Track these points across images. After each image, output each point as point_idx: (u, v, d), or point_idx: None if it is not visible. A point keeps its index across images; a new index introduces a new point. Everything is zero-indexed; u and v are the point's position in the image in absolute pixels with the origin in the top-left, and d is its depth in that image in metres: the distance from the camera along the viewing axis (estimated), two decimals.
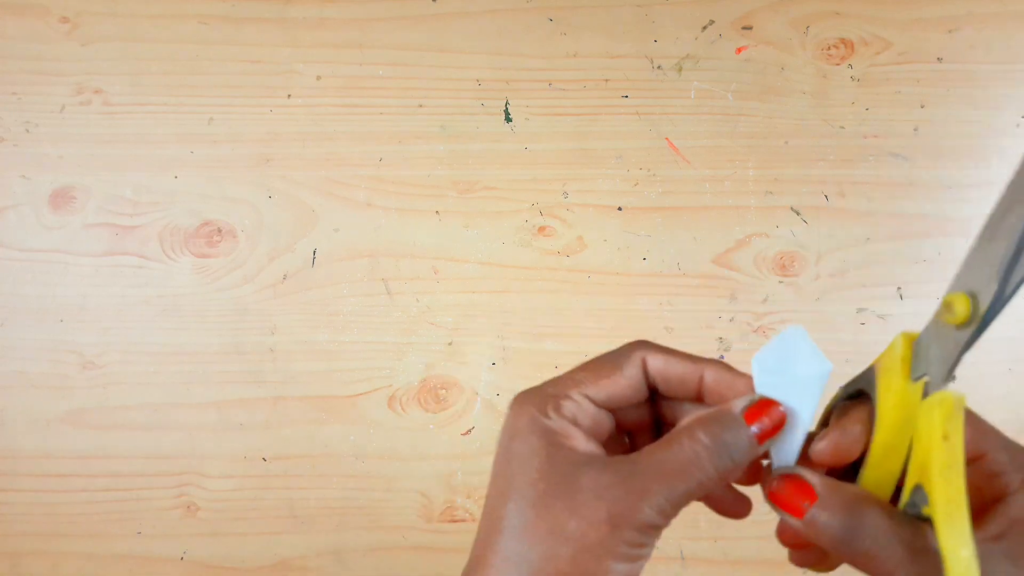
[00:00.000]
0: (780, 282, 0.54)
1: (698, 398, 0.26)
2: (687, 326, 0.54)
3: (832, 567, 0.26)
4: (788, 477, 0.24)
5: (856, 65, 0.55)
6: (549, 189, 0.54)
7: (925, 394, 0.23)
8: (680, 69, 0.55)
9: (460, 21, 0.55)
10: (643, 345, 0.26)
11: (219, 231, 0.55)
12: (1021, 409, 0.53)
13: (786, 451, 0.25)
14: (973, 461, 0.23)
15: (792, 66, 0.55)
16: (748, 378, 0.25)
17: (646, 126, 0.55)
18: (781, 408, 0.24)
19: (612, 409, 0.26)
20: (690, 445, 0.23)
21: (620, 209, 0.54)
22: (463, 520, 0.53)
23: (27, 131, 0.55)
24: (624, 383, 0.26)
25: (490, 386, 0.53)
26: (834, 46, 0.55)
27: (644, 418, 0.28)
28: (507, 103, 0.55)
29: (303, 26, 0.55)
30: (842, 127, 0.54)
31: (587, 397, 0.25)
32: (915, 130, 0.54)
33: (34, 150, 0.55)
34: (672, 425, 0.27)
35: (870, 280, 0.54)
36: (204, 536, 0.53)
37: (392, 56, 0.55)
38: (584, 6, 0.55)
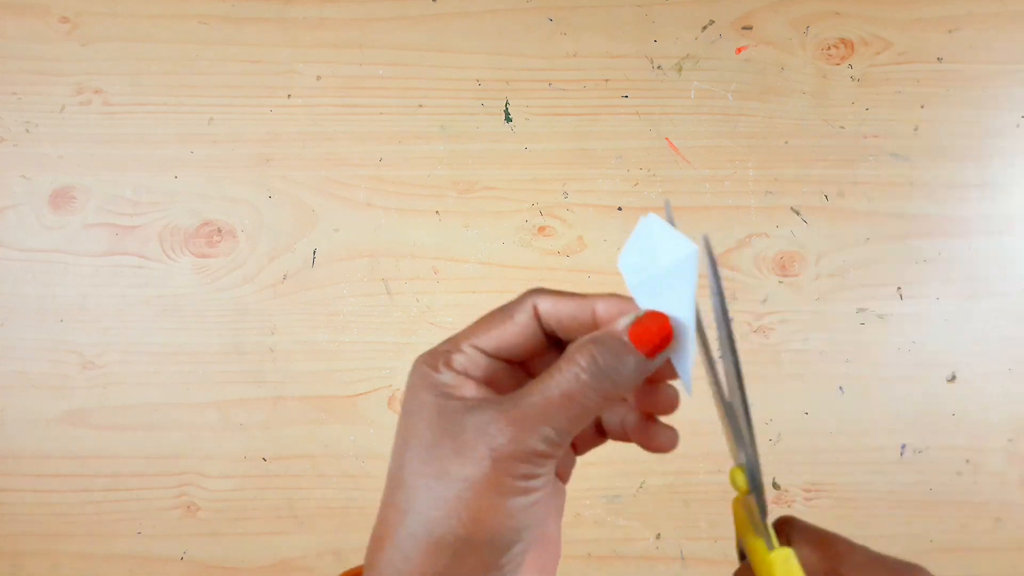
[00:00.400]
0: (780, 282, 0.54)
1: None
2: None
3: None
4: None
5: (856, 65, 0.55)
6: (549, 189, 0.54)
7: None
8: (680, 69, 0.55)
9: (460, 21, 0.55)
10: (535, 291, 0.25)
11: (219, 231, 0.55)
12: (1021, 409, 0.53)
13: (681, 355, 0.24)
14: None
15: (792, 66, 0.55)
16: (640, 325, 0.24)
17: (646, 126, 0.55)
18: (668, 319, 0.23)
19: (509, 359, 0.25)
20: (571, 370, 0.22)
21: (620, 209, 0.54)
22: None
23: (27, 131, 0.55)
24: (515, 330, 0.25)
25: None
26: (834, 46, 0.55)
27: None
28: (507, 103, 0.55)
29: (303, 26, 0.55)
30: (842, 127, 0.54)
31: (477, 348, 0.25)
32: (915, 130, 0.54)
33: (34, 150, 0.55)
34: None
35: (870, 280, 0.54)
36: (204, 536, 0.53)
37: (392, 56, 0.55)
38: (584, 6, 0.55)
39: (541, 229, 0.54)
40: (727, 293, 0.54)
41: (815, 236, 0.54)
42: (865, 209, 0.54)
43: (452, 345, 0.25)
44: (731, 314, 0.54)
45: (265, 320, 0.54)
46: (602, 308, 0.24)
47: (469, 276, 0.54)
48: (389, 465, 0.24)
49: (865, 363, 0.53)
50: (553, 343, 0.26)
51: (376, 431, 0.53)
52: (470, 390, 0.24)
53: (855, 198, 0.54)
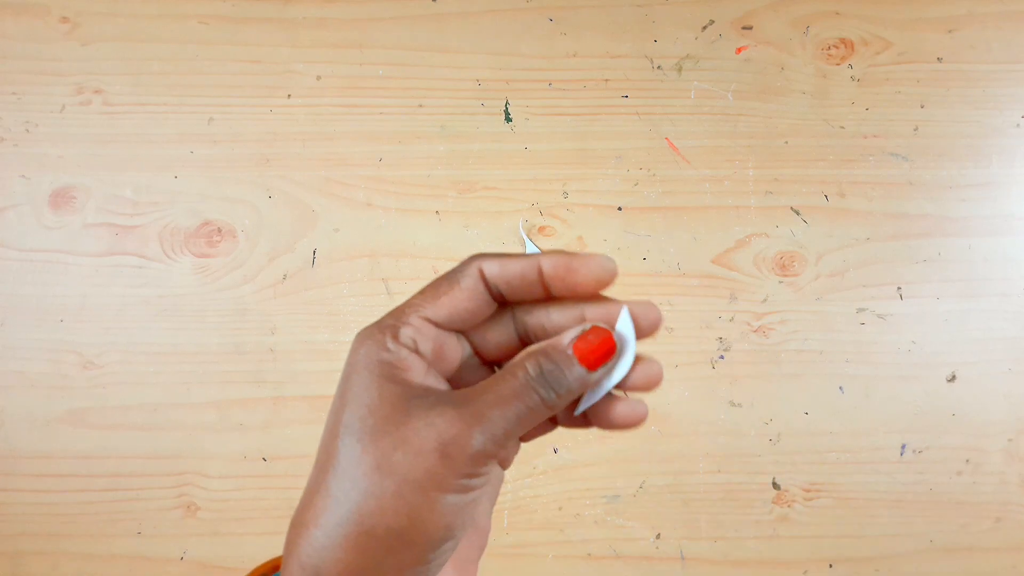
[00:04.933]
0: (780, 282, 0.54)
1: (545, 291, 0.25)
2: (687, 326, 0.54)
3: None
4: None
5: (856, 65, 0.55)
6: (549, 189, 0.54)
7: None
8: (680, 69, 0.55)
9: (460, 21, 0.55)
10: (478, 256, 0.25)
11: (219, 231, 0.54)
12: (1021, 409, 0.53)
13: (622, 365, 0.24)
14: None
15: (792, 66, 0.55)
16: (585, 257, 0.24)
17: (646, 126, 0.55)
18: (611, 334, 0.24)
19: (460, 329, 0.25)
20: (519, 377, 0.23)
21: (620, 209, 0.54)
22: None
23: (27, 131, 0.55)
24: (463, 296, 0.24)
25: None
26: (834, 46, 0.55)
27: (509, 343, 0.26)
28: (507, 103, 0.55)
29: (303, 26, 0.55)
30: (842, 127, 0.54)
31: (426, 319, 0.24)
32: (915, 130, 0.54)
33: (34, 150, 0.55)
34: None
35: (870, 280, 0.54)
36: (204, 536, 0.53)
37: (392, 56, 0.55)
38: (584, 6, 0.55)
39: (541, 229, 0.54)
40: (728, 293, 0.54)
41: (815, 236, 0.54)
42: (865, 209, 0.54)
43: (398, 317, 0.24)
44: (731, 315, 0.54)
45: (265, 320, 0.54)
46: (547, 265, 0.24)
47: None
48: (320, 443, 0.23)
49: (865, 363, 0.53)
50: (500, 310, 0.26)
51: None
52: (417, 373, 0.23)
53: (855, 198, 0.54)
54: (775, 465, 0.53)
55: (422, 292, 0.24)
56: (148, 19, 0.55)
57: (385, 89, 0.55)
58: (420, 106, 0.55)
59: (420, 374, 0.23)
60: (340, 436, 0.22)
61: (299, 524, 0.23)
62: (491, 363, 0.27)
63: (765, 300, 0.54)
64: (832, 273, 0.54)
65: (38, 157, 0.55)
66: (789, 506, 0.53)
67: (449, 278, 0.24)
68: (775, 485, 0.53)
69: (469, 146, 0.55)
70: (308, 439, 0.53)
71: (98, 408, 0.54)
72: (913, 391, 0.53)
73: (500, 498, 0.53)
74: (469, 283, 0.24)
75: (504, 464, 0.26)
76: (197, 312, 0.54)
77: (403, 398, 0.22)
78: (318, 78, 0.55)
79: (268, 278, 0.54)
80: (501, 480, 0.27)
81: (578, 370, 0.23)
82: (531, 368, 0.23)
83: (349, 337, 0.55)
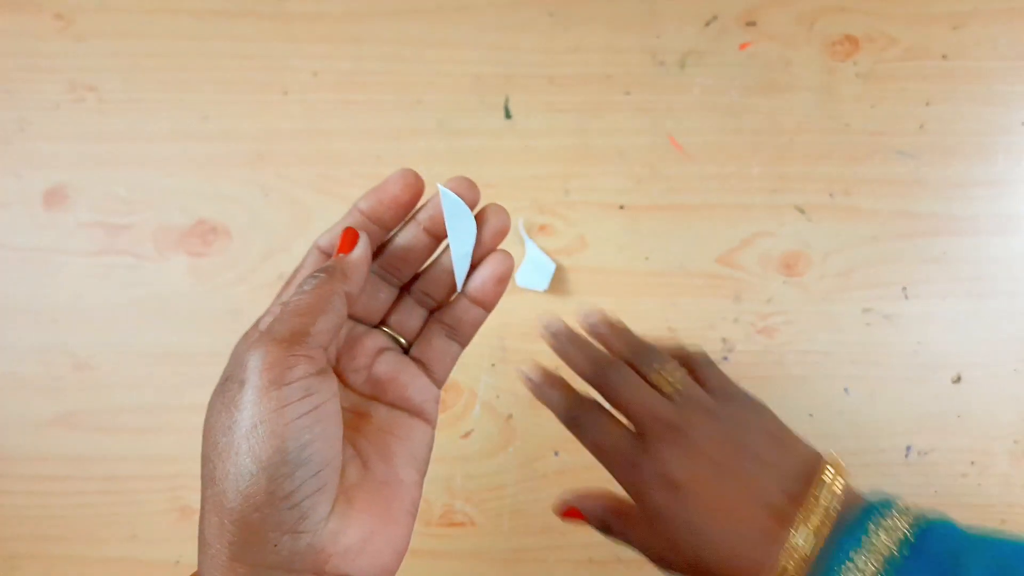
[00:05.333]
0: (785, 282, 0.53)
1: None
2: (690, 326, 0.53)
3: None
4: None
5: (862, 62, 0.54)
6: (550, 186, 0.54)
7: None
8: (683, 65, 0.54)
9: (459, 15, 0.54)
10: (318, 238, 0.28)
11: (213, 230, 0.54)
12: None
13: (465, 237, 0.28)
14: None
15: (797, 62, 0.54)
16: (386, 179, 0.28)
17: (648, 122, 0.54)
18: (353, 228, 0.27)
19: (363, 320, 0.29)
20: (298, 291, 0.25)
21: (622, 207, 0.54)
22: (462, 524, 0.52)
23: (20, 129, 0.54)
24: (305, 273, 0.28)
25: (489, 388, 0.53)
26: (839, 42, 0.54)
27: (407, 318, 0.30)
28: (507, 99, 0.54)
29: (299, 21, 0.55)
30: (848, 124, 0.54)
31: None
32: (921, 127, 0.54)
33: (27, 148, 0.54)
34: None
35: (876, 280, 0.53)
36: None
37: (389, 51, 0.54)
38: (585, 0, 0.54)
39: (542, 227, 0.53)
40: (733, 293, 0.53)
41: (820, 235, 0.53)
42: (871, 207, 0.53)
43: (264, 314, 0.27)
44: (735, 315, 0.53)
45: None
46: (363, 205, 0.28)
47: None
48: None
49: (871, 364, 0.53)
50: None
51: None
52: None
53: (861, 196, 0.53)
54: None
55: (282, 287, 0.29)
56: (142, 15, 0.55)
57: (382, 85, 0.54)
58: (418, 102, 0.54)
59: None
60: (207, 418, 0.24)
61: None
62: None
63: (770, 300, 0.53)
64: (838, 273, 0.53)
65: (31, 155, 0.54)
66: None
67: (297, 268, 0.28)
68: None
69: (468, 142, 0.54)
70: None
71: (91, 410, 0.53)
72: (919, 392, 0.53)
73: (500, 502, 0.52)
74: (311, 261, 0.28)
75: (422, 414, 0.28)
76: (191, 312, 0.53)
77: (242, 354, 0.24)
78: (314, 74, 0.54)
79: (263, 277, 0.53)
80: (416, 434, 0.28)
81: (335, 258, 0.26)
82: (302, 283, 0.25)
83: None
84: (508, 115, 0.54)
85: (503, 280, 0.28)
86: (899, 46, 0.54)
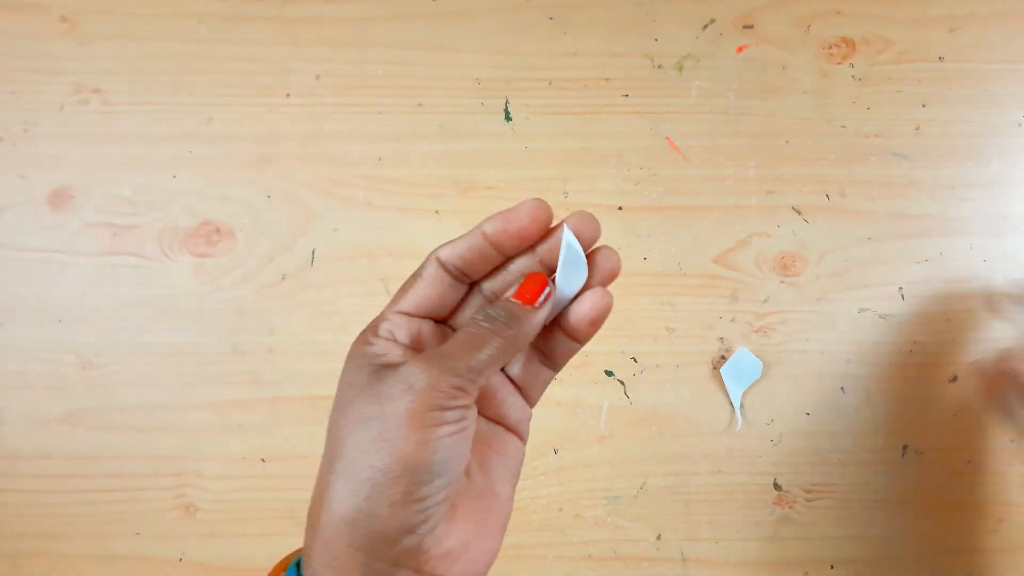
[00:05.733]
0: (781, 282, 0.54)
1: (505, 260, 0.28)
2: (688, 326, 0.53)
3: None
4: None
5: (857, 64, 0.54)
6: (549, 188, 0.54)
7: None
8: (681, 68, 0.55)
9: (460, 19, 0.55)
10: (437, 248, 0.28)
11: (218, 231, 0.54)
12: None
13: (572, 284, 0.27)
14: None
15: (793, 65, 0.54)
16: (516, 206, 0.27)
17: (647, 125, 0.54)
18: (544, 276, 0.27)
19: (433, 316, 0.28)
20: (475, 322, 0.26)
21: (620, 209, 0.54)
22: None
23: (25, 130, 0.55)
24: (425, 284, 0.27)
25: None
26: (835, 45, 0.55)
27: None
28: (507, 102, 0.55)
29: (302, 25, 0.55)
30: (843, 126, 0.54)
31: (399, 312, 0.27)
32: (916, 129, 0.54)
33: (33, 149, 0.55)
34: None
35: (871, 280, 0.53)
36: (203, 537, 0.53)
37: (391, 55, 0.55)
38: (584, 4, 0.55)
39: None
40: (729, 293, 0.54)
41: (816, 236, 0.54)
42: (866, 208, 0.54)
43: (378, 317, 0.27)
44: (732, 315, 0.54)
45: (264, 320, 0.54)
46: (489, 229, 0.27)
47: None
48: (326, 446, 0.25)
49: (867, 363, 0.53)
50: (472, 291, 0.29)
51: None
52: (396, 354, 0.26)
53: (856, 197, 0.54)
54: (776, 466, 0.53)
55: (398, 291, 0.28)
56: (147, 18, 0.55)
57: (385, 88, 0.55)
58: (420, 105, 0.55)
59: (399, 356, 0.26)
60: (336, 419, 0.25)
61: (312, 503, 0.25)
62: None
63: (766, 300, 0.54)
64: (833, 273, 0.54)
65: (36, 156, 0.54)
66: (790, 507, 0.53)
67: (414, 274, 0.28)
68: (776, 486, 0.53)
69: (469, 145, 0.54)
70: (307, 439, 0.53)
71: (97, 409, 0.53)
72: (915, 392, 0.53)
73: None
74: (430, 271, 0.27)
75: (519, 432, 0.29)
76: (196, 312, 0.54)
77: (382, 370, 0.25)
78: (317, 77, 0.55)
79: (267, 278, 0.54)
80: (515, 451, 0.29)
81: (520, 306, 0.26)
82: (479, 314, 0.26)
83: (349, 337, 0.54)
84: (508, 118, 0.55)
85: (598, 322, 0.28)
86: (895, 49, 0.55)
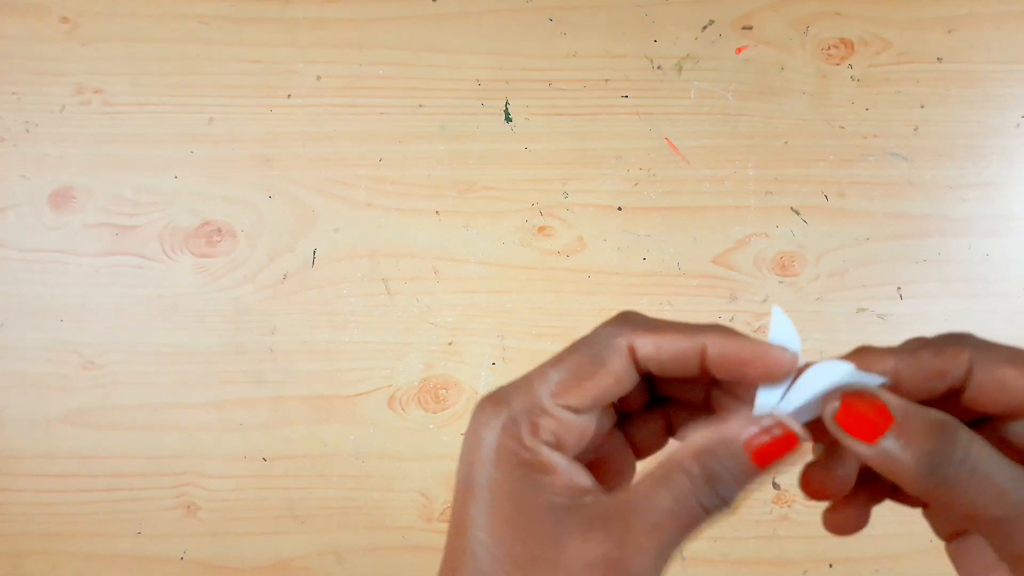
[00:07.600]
0: (780, 282, 0.54)
1: (703, 373, 0.22)
2: None
3: (861, 526, 0.24)
4: (858, 397, 0.20)
5: (856, 65, 0.55)
6: (549, 189, 0.54)
7: None
8: (680, 69, 0.55)
9: (460, 21, 0.55)
10: (625, 325, 0.22)
11: (219, 231, 0.55)
12: None
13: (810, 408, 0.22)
14: None
15: (792, 66, 0.55)
16: (759, 347, 0.21)
17: (646, 126, 0.55)
18: (795, 431, 0.21)
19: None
20: (682, 482, 0.20)
21: (620, 209, 0.54)
22: None
23: (27, 131, 0.55)
24: (609, 380, 0.21)
25: (491, 386, 0.53)
26: (834, 46, 0.55)
27: (641, 400, 0.25)
28: (507, 103, 0.55)
29: (303, 26, 0.55)
30: (842, 127, 0.54)
31: (568, 408, 0.21)
32: (915, 130, 0.54)
33: (34, 150, 0.55)
34: (667, 396, 0.25)
35: (870, 280, 0.54)
36: (204, 536, 0.53)
37: (392, 56, 0.55)
38: (584, 6, 0.55)
39: (541, 229, 0.54)
40: (728, 293, 0.54)
41: (815, 236, 0.54)
42: (865, 209, 0.54)
43: (533, 401, 0.21)
44: (731, 315, 0.54)
45: (265, 320, 0.54)
46: (714, 352, 0.21)
47: (469, 276, 0.54)
48: (448, 533, 0.22)
49: None
50: (644, 380, 0.23)
51: (376, 431, 0.53)
52: (561, 475, 0.21)
53: (855, 198, 0.54)
54: None
55: (559, 365, 0.21)
56: (148, 19, 0.55)
57: (385, 89, 0.55)
58: (420, 106, 0.55)
59: (563, 475, 0.21)
60: (471, 548, 0.20)
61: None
62: (622, 415, 0.25)
63: (765, 300, 0.54)
64: (832, 273, 0.54)
65: (38, 157, 0.55)
66: (789, 506, 0.53)
67: (593, 356, 0.21)
68: (775, 485, 0.53)
69: (469, 146, 0.55)
70: (308, 439, 0.53)
71: (98, 408, 0.54)
72: None
73: None
74: (618, 366, 0.21)
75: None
76: (197, 312, 0.54)
77: (549, 513, 0.20)
78: (318, 78, 0.55)
79: (268, 278, 0.54)
80: None
81: (751, 472, 0.20)
82: (696, 470, 0.20)
83: (349, 337, 0.55)
84: (508, 119, 0.55)
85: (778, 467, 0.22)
86: (893, 49, 0.55)
